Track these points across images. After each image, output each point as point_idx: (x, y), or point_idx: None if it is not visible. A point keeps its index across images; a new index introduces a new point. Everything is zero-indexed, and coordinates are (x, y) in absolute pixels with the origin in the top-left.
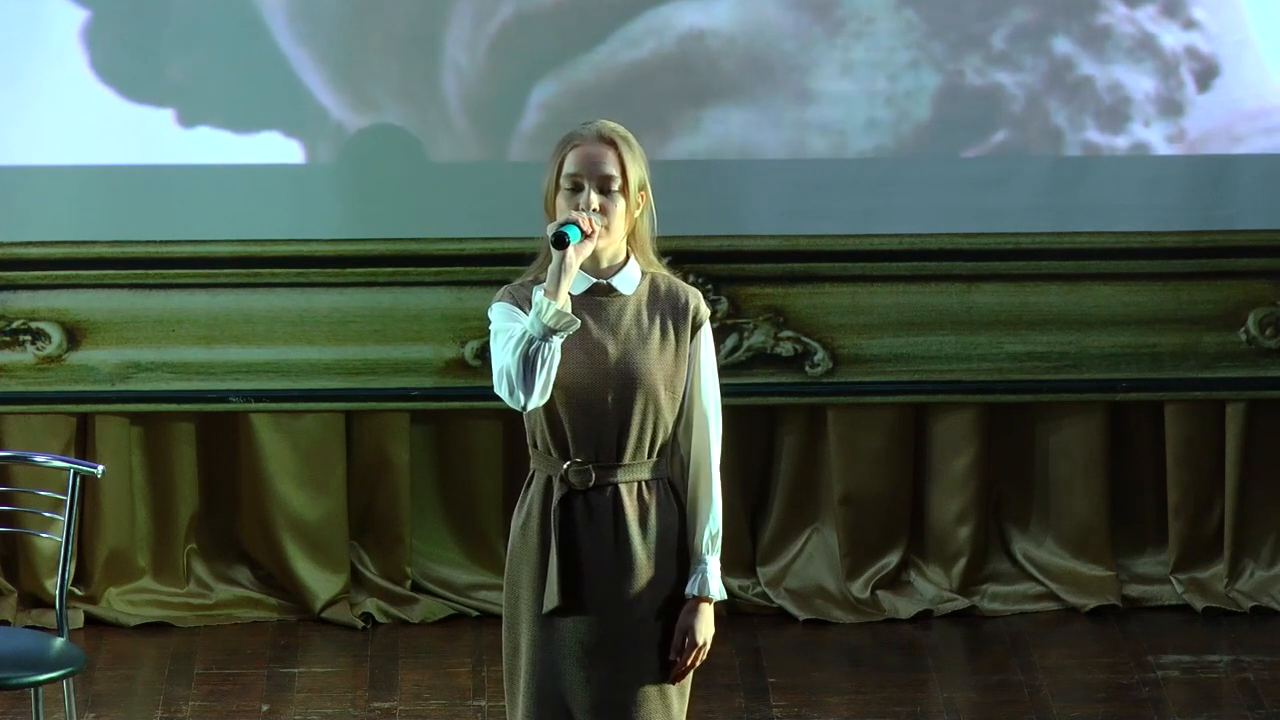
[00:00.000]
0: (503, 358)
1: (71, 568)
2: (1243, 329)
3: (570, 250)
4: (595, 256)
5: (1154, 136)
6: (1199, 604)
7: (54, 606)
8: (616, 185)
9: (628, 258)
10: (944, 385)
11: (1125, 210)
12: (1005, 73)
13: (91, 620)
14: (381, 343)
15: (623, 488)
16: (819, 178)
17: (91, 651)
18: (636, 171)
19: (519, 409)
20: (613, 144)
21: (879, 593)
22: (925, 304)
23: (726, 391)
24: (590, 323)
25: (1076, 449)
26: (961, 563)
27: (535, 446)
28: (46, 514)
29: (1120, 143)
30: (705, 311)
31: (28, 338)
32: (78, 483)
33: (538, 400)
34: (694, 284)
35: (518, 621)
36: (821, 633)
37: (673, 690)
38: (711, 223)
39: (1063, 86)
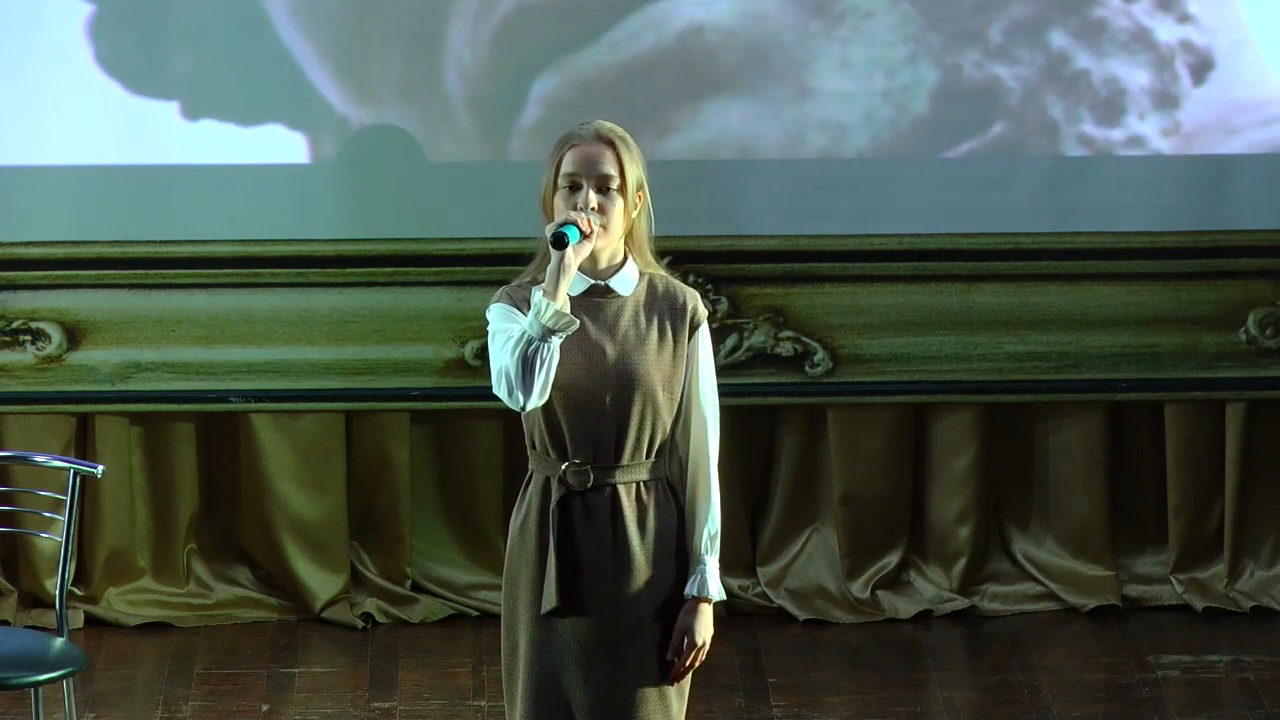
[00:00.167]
0: (501, 358)
1: (71, 568)
2: (1243, 329)
3: (569, 250)
4: (593, 257)
5: (1149, 129)
6: (1199, 604)
7: (54, 606)
8: (615, 185)
9: (626, 259)
10: (944, 385)
11: (1125, 210)
12: (1002, 66)
13: (91, 620)
14: (381, 343)
15: (621, 488)
16: (819, 177)
17: (91, 651)
18: (634, 171)
19: (518, 409)
20: (611, 144)
21: (879, 593)
22: (925, 304)
23: (726, 391)
24: (588, 324)
25: (1076, 449)
26: (961, 563)
27: (534, 447)
28: (46, 514)
29: (1116, 135)
30: (703, 312)
31: (28, 338)
32: (78, 483)
33: (537, 400)
34: (694, 284)
35: (516, 622)
36: (821, 633)
37: (672, 691)
38: (711, 223)
39: (1059, 80)
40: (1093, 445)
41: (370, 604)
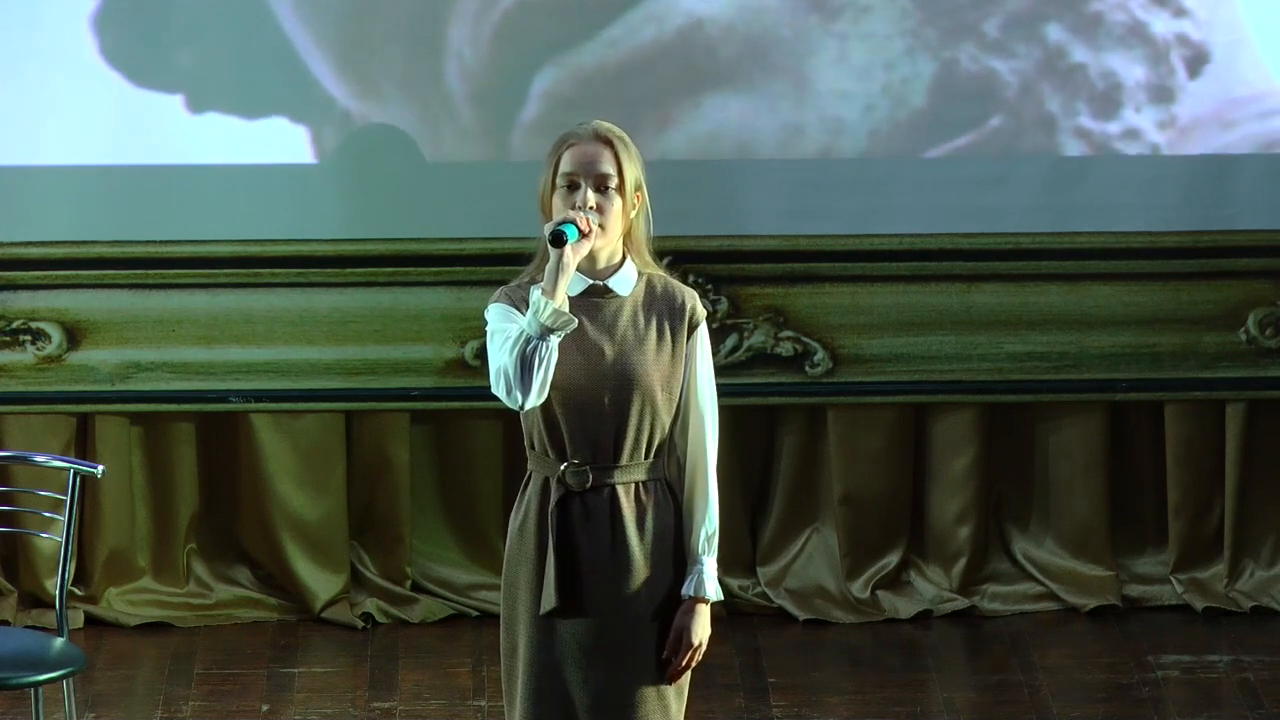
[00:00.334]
0: (500, 357)
1: (71, 568)
2: (1243, 329)
3: (567, 249)
4: (592, 257)
5: (1145, 123)
6: (1199, 604)
7: (54, 606)
8: (613, 184)
9: (624, 259)
10: (944, 385)
11: (1125, 210)
12: (999, 60)
13: (91, 620)
14: (381, 343)
15: (620, 489)
16: (819, 177)
17: (91, 651)
18: (633, 171)
19: (516, 408)
20: (609, 143)
21: (879, 593)
22: (925, 304)
23: (726, 391)
24: (587, 324)
25: (1076, 449)
26: (961, 563)
27: (532, 448)
28: (46, 514)
29: (1112, 129)
30: (702, 312)
31: (28, 338)
32: (78, 483)
33: (535, 400)
34: (694, 284)
35: (516, 622)
36: (821, 633)
37: (670, 690)
38: (711, 223)
39: (1056, 74)
40: (1093, 445)
41: (370, 604)
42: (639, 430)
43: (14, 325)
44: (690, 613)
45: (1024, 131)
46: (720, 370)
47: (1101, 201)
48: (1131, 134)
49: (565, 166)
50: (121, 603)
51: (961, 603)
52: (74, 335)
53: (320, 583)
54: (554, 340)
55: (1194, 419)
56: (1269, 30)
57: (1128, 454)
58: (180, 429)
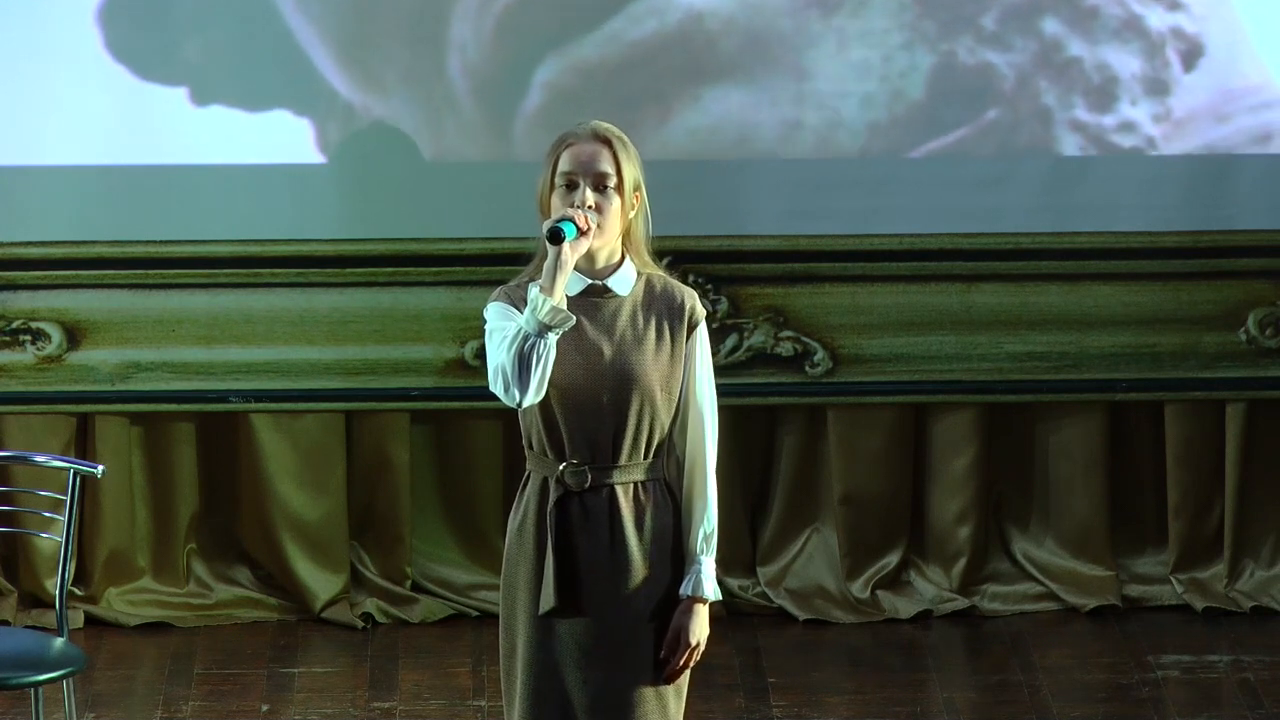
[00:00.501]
0: (498, 355)
1: (71, 568)
2: (1243, 329)
3: (565, 246)
4: (591, 257)
5: (1140, 115)
6: (1199, 604)
7: (54, 606)
8: (612, 183)
9: (623, 258)
10: (944, 385)
11: (1125, 210)
12: (996, 53)
13: (91, 620)
14: (381, 343)
15: (619, 489)
16: (819, 177)
17: (91, 651)
18: (631, 171)
19: (514, 406)
20: (608, 143)
21: (879, 593)
22: (925, 304)
23: (726, 391)
24: (586, 323)
25: (1076, 449)
26: (961, 563)
27: (531, 448)
28: (46, 514)
29: (1108, 121)
30: (701, 311)
31: (28, 338)
32: (78, 483)
33: (533, 397)
34: (694, 284)
35: (514, 622)
36: (821, 633)
37: (669, 690)
38: (711, 223)
39: (1052, 67)
40: (1093, 445)
41: (370, 604)
42: (638, 430)
43: (14, 325)
44: (688, 612)
45: (1020, 124)
46: (720, 370)
47: (1101, 201)
48: (1127, 127)
49: (564, 166)
50: (121, 603)
51: (961, 603)
52: (74, 335)
53: (320, 583)
54: (552, 338)
55: (1194, 419)
56: (1264, 24)
57: (1128, 454)
58: (180, 429)
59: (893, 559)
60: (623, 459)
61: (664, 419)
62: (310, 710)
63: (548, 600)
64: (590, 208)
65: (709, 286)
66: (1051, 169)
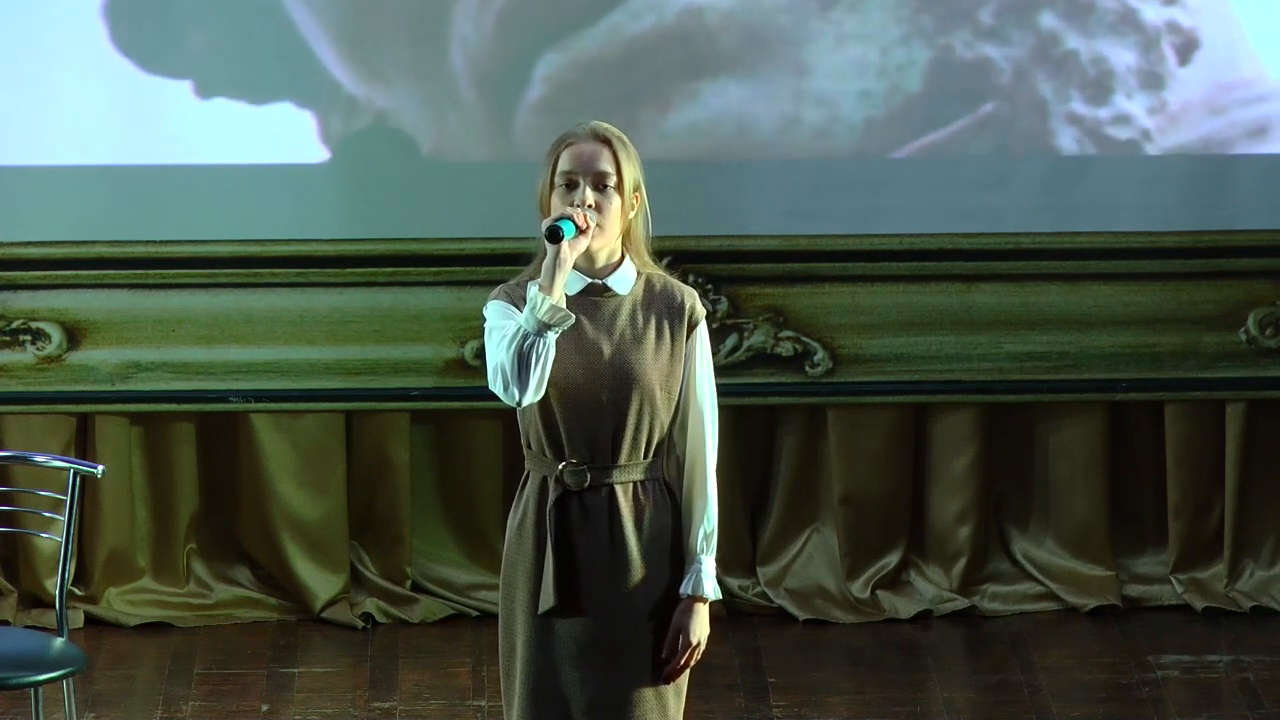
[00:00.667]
0: (497, 354)
1: (71, 568)
2: (1243, 329)
3: (565, 244)
4: (590, 256)
5: (1136, 108)
6: (1199, 604)
7: (54, 606)
8: (611, 183)
9: (623, 258)
10: (944, 385)
11: (1125, 210)
12: (993, 47)
13: (91, 620)
14: (381, 343)
15: (618, 488)
16: (819, 177)
17: (91, 651)
18: (631, 171)
19: (514, 405)
20: (607, 142)
21: (879, 593)
22: (925, 304)
23: (726, 391)
24: (585, 323)
25: (1076, 449)
26: (961, 563)
27: (530, 447)
28: (46, 514)
29: (1104, 114)
30: (701, 311)
31: (28, 338)
32: (78, 483)
33: (532, 396)
34: (694, 284)
35: (514, 622)
36: (821, 633)
37: (669, 690)
38: (711, 223)
39: (1048, 60)
40: (1093, 445)
41: (370, 604)
42: (637, 429)
43: (14, 325)
44: (689, 612)
45: (1017, 117)
46: (720, 370)
47: (1101, 201)
48: (1122, 120)
49: (564, 165)
50: (121, 603)
51: (961, 603)
52: (74, 335)
53: (320, 583)
54: (551, 337)
55: (1194, 419)
56: (1258, 18)
57: (1128, 454)
58: (180, 429)
59: (893, 559)
60: (622, 458)
61: (663, 418)
62: (310, 710)
63: (547, 600)
64: (590, 207)
65: (709, 286)
66: (1051, 169)
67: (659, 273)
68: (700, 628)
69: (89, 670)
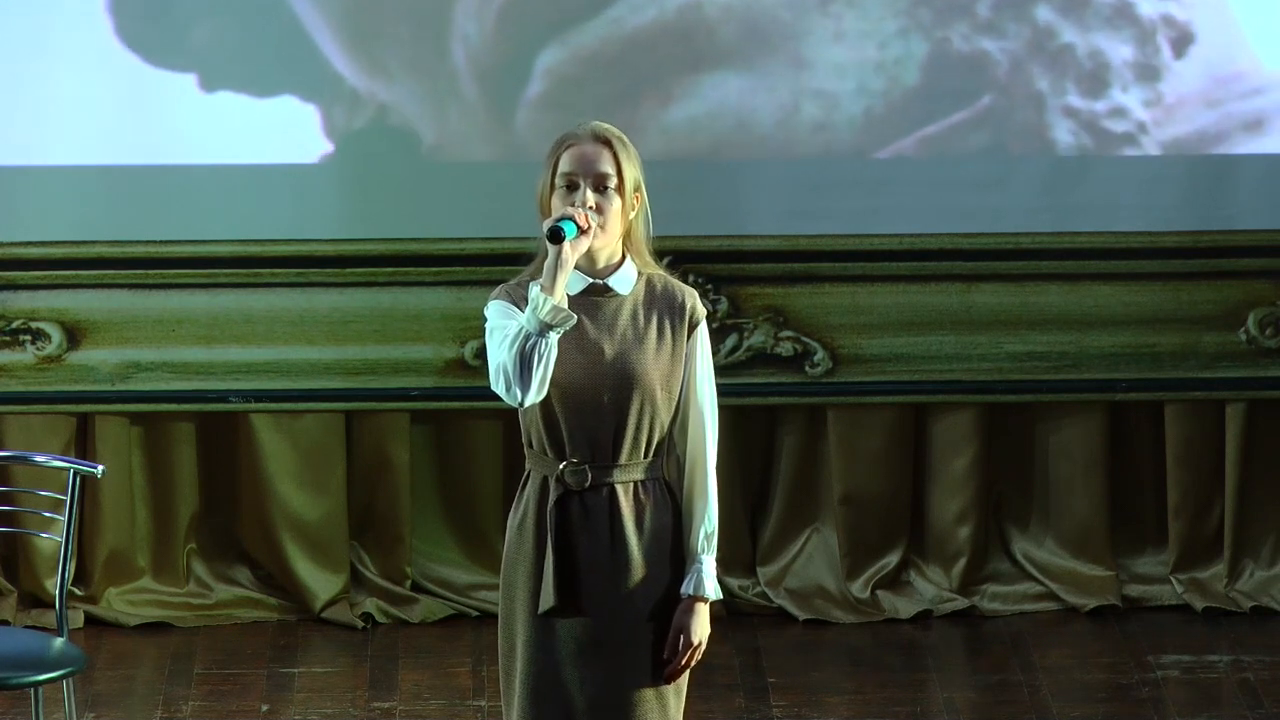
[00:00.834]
0: (499, 354)
1: (71, 568)
2: (1243, 329)
3: (566, 245)
4: (591, 257)
5: (1132, 101)
6: (1199, 604)
7: (54, 606)
8: (612, 183)
9: (624, 258)
10: (944, 385)
11: (1125, 210)
12: (989, 40)
13: (91, 620)
14: (381, 343)
15: (619, 488)
16: (819, 177)
17: (91, 651)
18: (632, 171)
19: (515, 405)
20: (608, 143)
21: (879, 593)
22: (925, 304)
23: (726, 391)
24: (586, 323)
25: (1076, 449)
26: (961, 563)
27: (530, 447)
28: (46, 514)
29: (1100, 107)
30: (702, 311)
31: (28, 338)
32: (78, 483)
33: (534, 396)
34: (694, 284)
35: (514, 621)
36: (821, 633)
37: (669, 690)
38: (711, 223)
39: (1045, 53)
40: (1093, 445)
41: (370, 604)
42: (638, 429)
43: (14, 325)
44: (689, 612)
45: (1014, 110)
46: (720, 370)
47: (1101, 201)
48: (1118, 112)
49: (564, 166)
50: (121, 603)
51: (961, 603)
52: (74, 335)
53: (320, 583)
54: (553, 337)
55: (1194, 419)
56: (1253, 12)
57: (1128, 454)
58: (180, 429)
59: (893, 559)
60: (623, 458)
61: (664, 418)
62: (310, 710)
63: (547, 599)
64: (591, 208)
65: (709, 286)
66: (1051, 169)
67: (660, 273)
68: (701, 628)
69: (89, 670)
